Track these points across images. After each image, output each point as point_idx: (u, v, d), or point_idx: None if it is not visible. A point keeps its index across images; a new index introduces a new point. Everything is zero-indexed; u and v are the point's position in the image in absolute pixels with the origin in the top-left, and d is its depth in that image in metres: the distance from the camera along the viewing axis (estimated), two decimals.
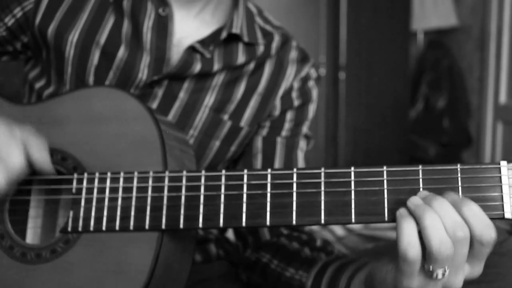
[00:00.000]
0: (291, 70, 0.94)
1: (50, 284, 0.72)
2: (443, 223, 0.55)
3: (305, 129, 0.96)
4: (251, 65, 0.91)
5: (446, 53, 3.42)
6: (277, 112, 0.93)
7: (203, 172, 0.69)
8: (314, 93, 0.97)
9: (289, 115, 0.94)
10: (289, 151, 0.93)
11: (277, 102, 0.93)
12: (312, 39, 2.76)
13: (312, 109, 0.97)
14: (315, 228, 1.82)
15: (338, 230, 1.79)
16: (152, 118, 0.75)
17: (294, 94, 0.94)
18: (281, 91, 0.93)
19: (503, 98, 3.15)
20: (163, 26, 0.86)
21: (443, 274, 0.56)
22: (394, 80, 3.04)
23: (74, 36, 0.85)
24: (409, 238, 0.55)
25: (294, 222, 0.64)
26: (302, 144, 0.95)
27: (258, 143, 0.92)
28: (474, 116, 3.37)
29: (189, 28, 0.89)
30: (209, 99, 0.88)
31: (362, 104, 2.92)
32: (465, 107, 3.36)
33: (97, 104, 0.78)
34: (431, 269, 0.56)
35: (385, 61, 2.99)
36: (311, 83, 0.97)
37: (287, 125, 0.94)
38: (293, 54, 0.96)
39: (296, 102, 0.94)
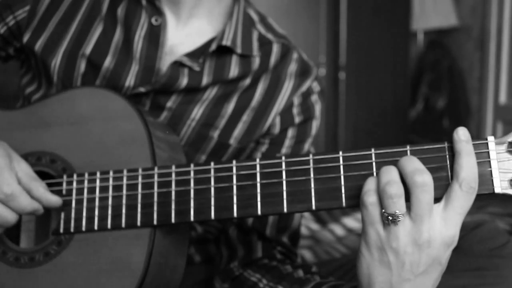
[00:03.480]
0: (288, 85, 0.90)
1: (45, 286, 0.72)
2: (404, 170, 0.57)
3: (307, 146, 0.93)
4: (247, 81, 0.88)
5: (446, 53, 3.42)
6: (277, 129, 0.89)
7: (192, 166, 0.69)
8: (317, 109, 0.93)
9: (291, 132, 0.90)
10: None
11: (276, 120, 0.89)
12: (312, 39, 2.76)
13: (315, 125, 0.93)
14: (315, 228, 1.82)
15: (338, 230, 1.79)
16: (139, 115, 0.75)
17: (295, 110, 0.90)
18: (276, 107, 0.89)
19: (503, 98, 3.15)
20: (155, 36, 0.85)
21: (402, 215, 0.57)
22: (394, 80, 3.03)
23: (61, 49, 0.85)
24: (367, 188, 0.59)
25: (285, 210, 0.64)
26: None
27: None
28: (474, 116, 3.37)
29: (181, 35, 0.87)
30: (197, 113, 0.86)
31: (362, 104, 2.92)
32: (465, 107, 3.36)
33: (83, 104, 0.78)
34: (388, 211, 0.57)
35: (385, 61, 2.98)
36: (313, 98, 0.92)
37: (287, 142, 0.90)
38: (292, 67, 0.91)
39: (297, 119, 0.90)
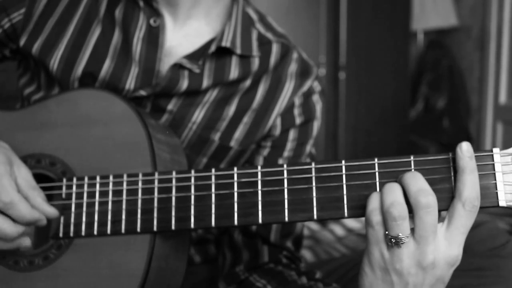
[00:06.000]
0: (289, 85, 0.89)
1: None
2: (408, 190, 0.56)
3: (309, 148, 0.92)
4: (247, 82, 0.87)
5: (446, 53, 3.42)
6: (278, 131, 0.89)
7: (192, 172, 0.68)
8: (318, 109, 0.92)
9: (292, 134, 0.90)
10: None
11: (277, 121, 0.88)
12: (312, 39, 2.76)
13: (316, 126, 0.92)
14: (315, 228, 1.81)
15: (338, 230, 1.79)
16: (140, 118, 0.74)
17: (296, 111, 0.90)
18: (277, 108, 0.88)
19: (503, 98, 3.14)
20: (153, 37, 0.84)
21: (406, 237, 0.55)
22: (394, 80, 3.03)
23: (59, 51, 0.84)
24: (372, 206, 0.57)
25: (286, 219, 0.63)
26: None
27: (259, 163, 0.89)
28: (474, 116, 3.36)
29: (179, 37, 0.86)
30: (198, 116, 0.85)
31: (362, 104, 2.92)
32: (465, 107, 3.35)
33: (83, 107, 0.77)
34: (391, 234, 0.56)
35: (385, 61, 2.98)
36: (314, 98, 0.91)
37: (289, 145, 0.89)
38: (293, 67, 0.90)
39: (298, 120, 0.90)
